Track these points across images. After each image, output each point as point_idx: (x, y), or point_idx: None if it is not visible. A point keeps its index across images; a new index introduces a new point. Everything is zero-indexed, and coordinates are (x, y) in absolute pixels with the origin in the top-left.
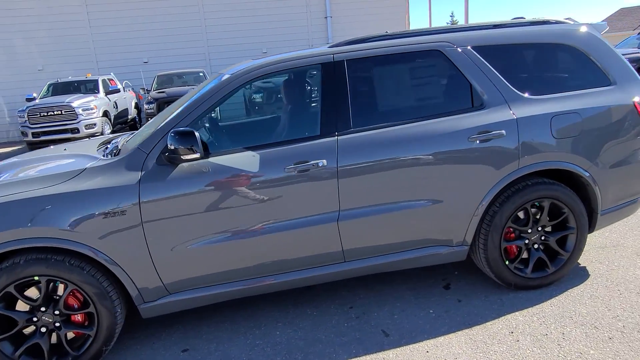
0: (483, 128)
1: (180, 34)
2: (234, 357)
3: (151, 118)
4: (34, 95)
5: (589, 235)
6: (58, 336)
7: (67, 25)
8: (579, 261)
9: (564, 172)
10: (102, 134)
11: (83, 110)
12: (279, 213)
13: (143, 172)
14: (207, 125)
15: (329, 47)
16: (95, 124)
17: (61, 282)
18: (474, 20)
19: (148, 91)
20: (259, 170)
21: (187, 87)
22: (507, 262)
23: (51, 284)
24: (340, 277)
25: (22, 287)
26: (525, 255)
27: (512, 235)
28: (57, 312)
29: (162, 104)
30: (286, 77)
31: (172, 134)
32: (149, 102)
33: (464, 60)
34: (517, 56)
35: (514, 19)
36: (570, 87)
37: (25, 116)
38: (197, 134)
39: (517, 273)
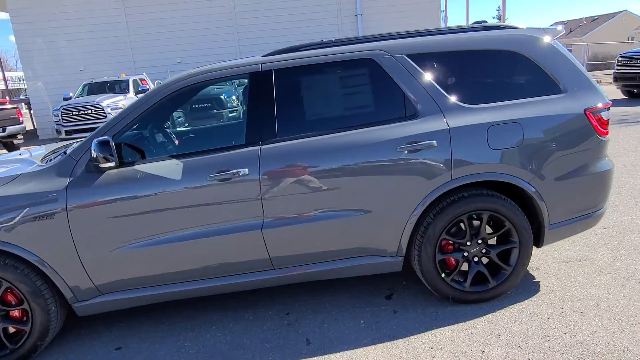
0: (412, 138)
1: (213, 33)
2: (159, 358)
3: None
4: (70, 94)
5: (559, 246)
6: None
7: (106, 28)
8: (534, 275)
9: (507, 184)
10: None
11: (112, 109)
12: (202, 220)
13: (71, 179)
14: (144, 133)
15: (262, 57)
16: None
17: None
18: (512, 17)
19: None
20: (182, 178)
21: None
22: (443, 275)
23: None
24: (269, 284)
25: None
26: (465, 268)
27: (450, 247)
28: None
29: None
30: (217, 87)
31: (95, 143)
32: None
33: (397, 68)
34: (456, 64)
35: (474, 23)
36: (515, 96)
37: (59, 115)
38: (112, 143)
39: (454, 286)
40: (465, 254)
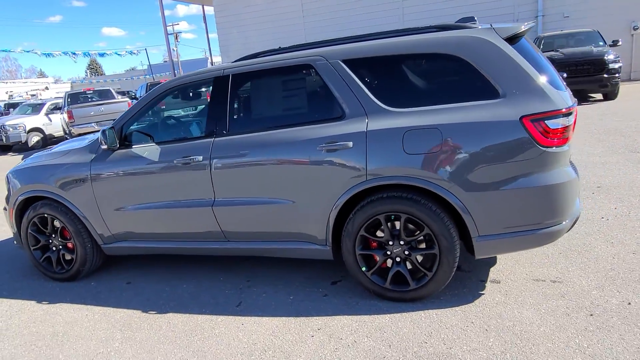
0: (331, 139)
1: (379, 24)
2: (145, 294)
3: None
4: None
5: (544, 263)
6: (60, 256)
7: (285, 17)
8: (487, 286)
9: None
10: None
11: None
12: (172, 194)
13: (95, 155)
14: (143, 123)
15: (232, 62)
16: None
17: (58, 220)
18: None
19: None
20: (158, 159)
21: None
22: (364, 269)
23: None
24: (225, 253)
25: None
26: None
27: (375, 244)
28: (59, 240)
29: None
30: (194, 88)
31: (102, 130)
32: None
33: (331, 73)
34: (390, 68)
35: (460, 19)
36: (448, 100)
37: None
38: (107, 131)
39: (374, 281)
40: (388, 252)
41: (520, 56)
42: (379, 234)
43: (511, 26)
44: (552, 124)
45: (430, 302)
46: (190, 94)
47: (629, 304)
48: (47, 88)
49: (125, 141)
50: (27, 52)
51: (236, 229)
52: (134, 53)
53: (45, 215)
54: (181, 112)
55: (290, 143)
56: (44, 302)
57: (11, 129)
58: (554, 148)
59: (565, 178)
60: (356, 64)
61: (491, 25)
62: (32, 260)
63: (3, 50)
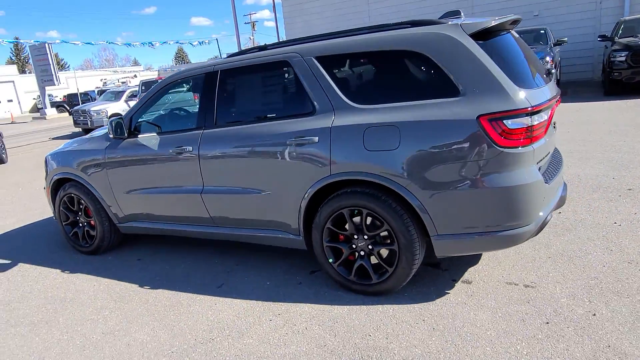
0: (299, 133)
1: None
2: (148, 270)
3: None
4: None
5: (522, 266)
6: (85, 232)
7: (348, 5)
8: (456, 285)
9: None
10: None
11: None
12: (169, 180)
13: (109, 142)
14: (148, 115)
15: (224, 58)
16: None
17: (82, 200)
18: None
19: None
20: (157, 149)
21: None
22: (330, 260)
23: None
24: (214, 237)
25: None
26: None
27: (342, 237)
28: (84, 218)
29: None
30: (190, 83)
31: (109, 121)
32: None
33: (304, 69)
34: (359, 65)
35: (445, 13)
36: (411, 98)
37: None
38: (112, 121)
39: (340, 273)
40: (354, 246)
41: (484, 53)
42: (346, 227)
43: (479, 21)
44: (511, 123)
45: (393, 297)
46: (189, 88)
47: (594, 315)
48: (135, 76)
49: (136, 131)
50: (110, 43)
51: (222, 215)
52: (205, 43)
53: (72, 195)
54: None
55: (267, 136)
56: (66, 271)
57: (95, 114)
58: (514, 148)
59: (526, 180)
60: (327, 60)
61: (460, 22)
62: (63, 234)
63: (108, 42)
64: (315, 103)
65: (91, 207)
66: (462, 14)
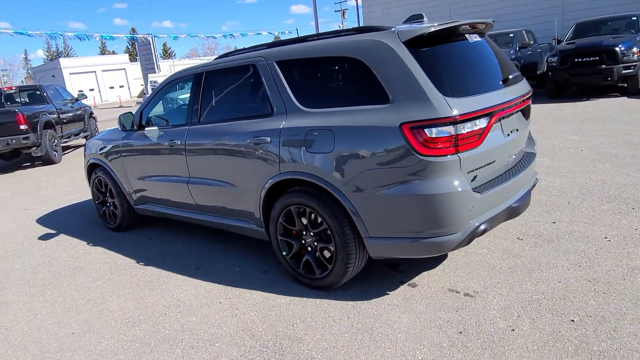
0: (257, 133)
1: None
2: (151, 249)
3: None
4: None
5: (474, 274)
6: (111, 211)
7: None
8: (398, 288)
9: None
10: None
11: None
12: (164, 169)
13: (125, 134)
14: (155, 110)
15: (212, 60)
16: None
17: (108, 183)
18: None
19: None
20: (156, 140)
21: (605, 37)
22: (284, 253)
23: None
24: (199, 223)
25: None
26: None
27: (295, 232)
28: (110, 198)
29: (569, 57)
30: (186, 82)
31: (119, 116)
32: (553, 55)
33: (267, 73)
34: (309, 70)
35: (409, 17)
36: (349, 103)
37: None
38: (120, 116)
39: (292, 265)
40: (303, 242)
41: (413, 61)
42: (296, 223)
43: (415, 28)
44: (432, 132)
45: (336, 292)
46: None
47: (513, 330)
48: None
49: (146, 124)
50: (209, 37)
51: (204, 204)
52: (285, 32)
53: (101, 178)
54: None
55: (234, 134)
56: (90, 244)
57: None
58: (435, 157)
59: (448, 189)
60: (285, 65)
61: (398, 28)
62: (96, 212)
63: (208, 36)
64: (273, 105)
65: (114, 189)
66: (424, 17)
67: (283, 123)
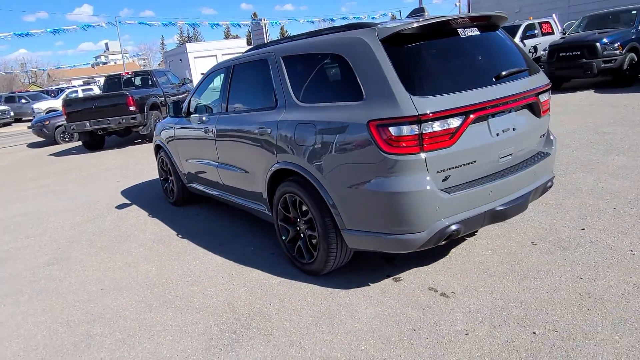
0: (262, 124)
1: None
2: (194, 223)
3: (545, 66)
4: None
5: (462, 273)
6: (171, 187)
7: None
8: (389, 279)
9: None
10: None
11: None
12: (202, 153)
13: (178, 120)
14: (200, 98)
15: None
16: None
17: (167, 162)
18: None
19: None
20: (196, 127)
21: (592, 32)
22: (283, 237)
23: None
24: (228, 203)
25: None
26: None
27: (292, 219)
28: (169, 177)
29: (555, 51)
30: (221, 73)
31: (169, 102)
32: (543, 49)
33: (274, 67)
34: (305, 65)
35: (412, 11)
36: (334, 99)
37: None
38: (168, 105)
39: (288, 249)
40: (298, 228)
41: (385, 59)
42: (291, 210)
43: (394, 25)
44: (396, 130)
45: (323, 278)
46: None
47: (466, 334)
48: None
49: (193, 111)
50: (327, 19)
51: (230, 186)
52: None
53: (163, 158)
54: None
55: (247, 124)
56: (150, 215)
57: None
58: (399, 155)
59: (410, 188)
60: (288, 60)
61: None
62: (161, 188)
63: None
64: (277, 98)
65: (171, 168)
66: (425, 12)
67: (281, 116)
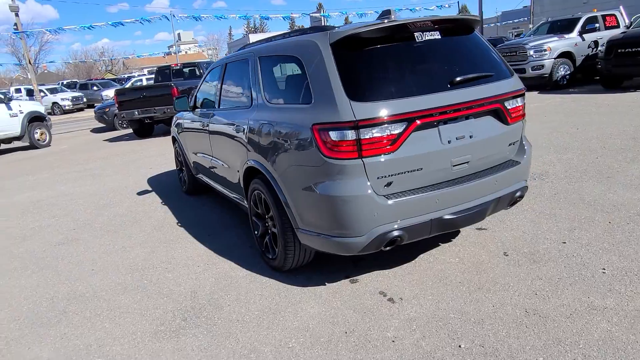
0: (239, 122)
1: None
2: (198, 212)
3: (602, 63)
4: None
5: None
6: (184, 177)
7: None
8: (346, 280)
9: None
10: (550, 75)
11: (535, 51)
12: (202, 146)
13: (186, 114)
14: (202, 94)
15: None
16: (543, 66)
17: (180, 151)
18: None
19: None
20: (197, 121)
21: None
22: (256, 232)
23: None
24: (221, 194)
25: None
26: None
27: (262, 214)
28: (183, 168)
29: (614, 47)
30: (218, 71)
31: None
32: (602, 45)
33: (252, 67)
34: (273, 66)
35: (381, 13)
36: (291, 100)
37: None
38: (174, 100)
39: (259, 244)
40: (266, 224)
41: (332, 62)
42: (259, 206)
43: (345, 29)
44: (335, 135)
45: (287, 275)
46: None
47: (393, 342)
48: None
49: (199, 106)
50: (399, 9)
51: (221, 178)
52: (446, 7)
53: (177, 149)
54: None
55: (229, 121)
56: (162, 203)
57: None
58: (337, 160)
59: (347, 192)
60: (263, 61)
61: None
62: (177, 177)
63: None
64: (252, 97)
65: (183, 159)
66: (391, 14)
67: (253, 115)
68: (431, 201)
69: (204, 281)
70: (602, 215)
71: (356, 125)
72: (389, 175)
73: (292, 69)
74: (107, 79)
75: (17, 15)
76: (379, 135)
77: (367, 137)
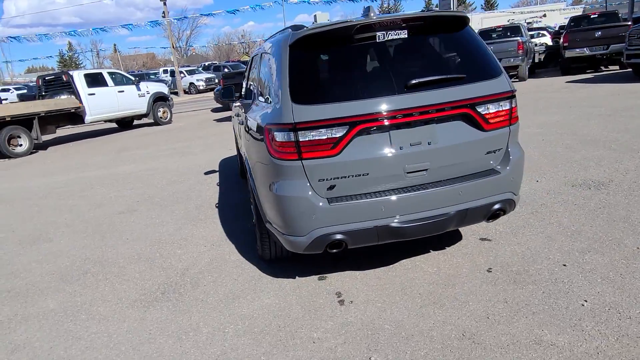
0: (243, 114)
1: None
2: (238, 198)
3: None
4: None
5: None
6: None
7: None
8: (317, 277)
9: None
10: None
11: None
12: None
13: (235, 102)
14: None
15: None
16: None
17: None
18: None
19: None
20: (238, 110)
21: None
22: (253, 221)
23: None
24: None
25: None
26: None
27: None
28: None
29: None
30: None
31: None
32: None
33: (259, 63)
34: (265, 63)
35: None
36: (266, 98)
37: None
38: (221, 90)
39: (254, 232)
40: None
41: (286, 63)
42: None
43: (301, 30)
44: (278, 136)
45: (272, 265)
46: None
47: (314, 342)
48: (544, 15)
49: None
50: None
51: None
52: None
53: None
54: None
55: (241, 112)
56: (216, 184)
57: None
58: (280, 160)
59: (285, 192)
60: (262, 58)
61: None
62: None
63: None
64: (254, 92)
65: (238, 145)
66: (370, 12)
67: (250, 109)
68: (376, 208)
69: (200, 261)
70: (635, 240)
71: (294, 128)
72: (331, 179)
73: (269, 67)
74: (241, 61)
75: (165, 4)
76: (317, 138)
77: (306, 139)
